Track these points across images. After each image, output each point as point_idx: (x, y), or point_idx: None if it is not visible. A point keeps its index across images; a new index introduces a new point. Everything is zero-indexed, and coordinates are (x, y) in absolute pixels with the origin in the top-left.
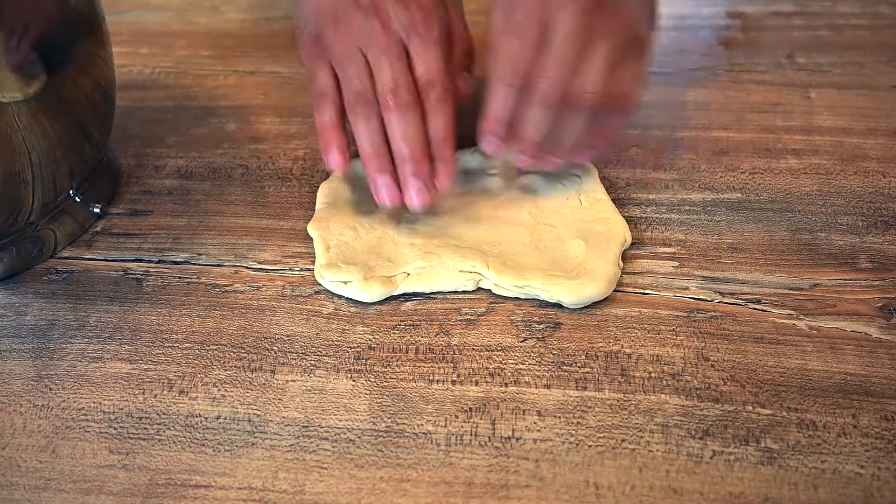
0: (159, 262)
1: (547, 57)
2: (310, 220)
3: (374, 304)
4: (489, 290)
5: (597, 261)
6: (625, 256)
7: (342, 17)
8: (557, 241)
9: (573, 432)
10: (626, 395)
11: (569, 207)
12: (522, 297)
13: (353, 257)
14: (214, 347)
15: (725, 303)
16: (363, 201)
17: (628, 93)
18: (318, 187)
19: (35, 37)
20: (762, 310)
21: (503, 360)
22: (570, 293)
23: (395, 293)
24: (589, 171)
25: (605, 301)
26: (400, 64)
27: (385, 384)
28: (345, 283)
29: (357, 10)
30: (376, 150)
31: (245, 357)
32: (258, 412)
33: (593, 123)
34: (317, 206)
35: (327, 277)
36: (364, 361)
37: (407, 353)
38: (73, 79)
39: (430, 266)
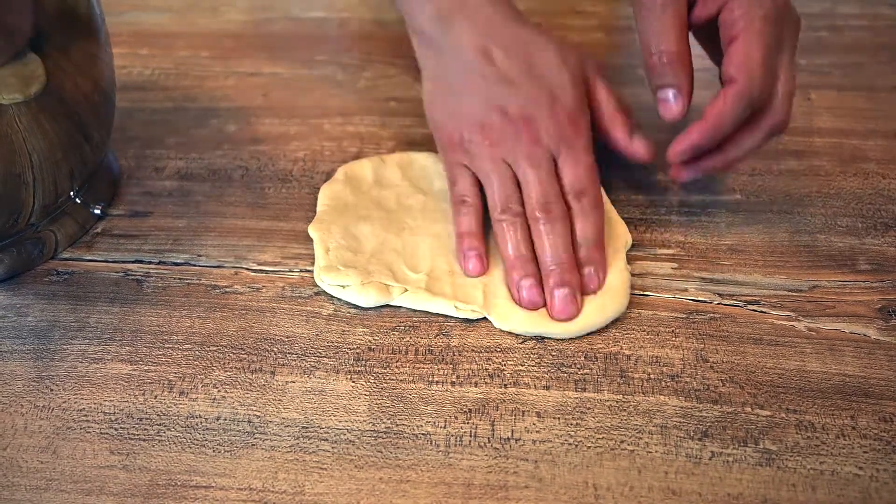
0: (159, 263)
1: (779, 95)
2: (310, 222)
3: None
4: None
5: (609, 275)
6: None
7: (488, 126)
8: None
9: (572, 433)
10: (625, 397)
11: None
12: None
13: (352, 261)
14: (214, 348)
15: (725, 304)
16: (365, 205)
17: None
18: (318, 189)
19: (29, 35)
20: (761, 311)
21: (502, 361)
22: (595, 319)
23: (392, 303)
24: None
25: None
26: (549, 178)
27: (385, 385)
28: (342, 286)
29: (505, 120)
30: (521, 258)
31: (245, 358)
32: (258, 413)
33: None
34: (318, 208)
35: (326, 280)
36: (364, 363)
37: (406, 354)
38: (73, 80)
39: (429, 291)
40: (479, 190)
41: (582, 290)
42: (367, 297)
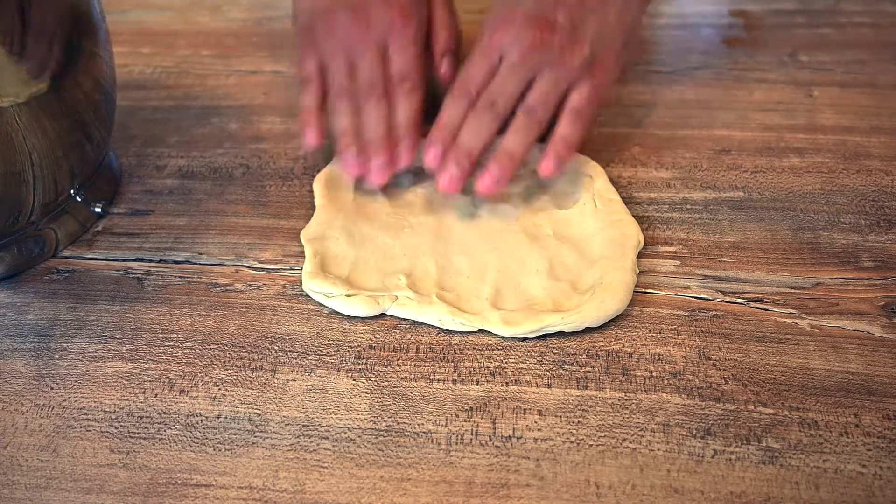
0: (160, 261)
1: (494, 79)
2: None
3: None
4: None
5: (614, 272)
6: None
7: (333, 15)
8: (573, 258)
9: (574, 431)
10: (628, 395)
11: (584, 212)
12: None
13: (341, 268)
14: (215, 347)
15: (727, 302)
16: (363, 199)
17: (574, 110)
18: None
19: (38, 38)
20: (764, 309)
21: (504, 359)
22: (595, 314)
23: (383, 312)
24: (598, 172)
25: None
26: (377, 63)
27: (386, 383)
28: (328, 296)
29: (345, 9)
30: (347, 130)
31: (246, 356)
32: (259, 411)
33: (549, 135)
34: (316, 202)
35: (312, 287)
36: (365, 361)
37: (408, 352)
38: (74, 79)
39: (419, 303)
40: (322, 73)
41: (394, 163)
42: (354, 309)
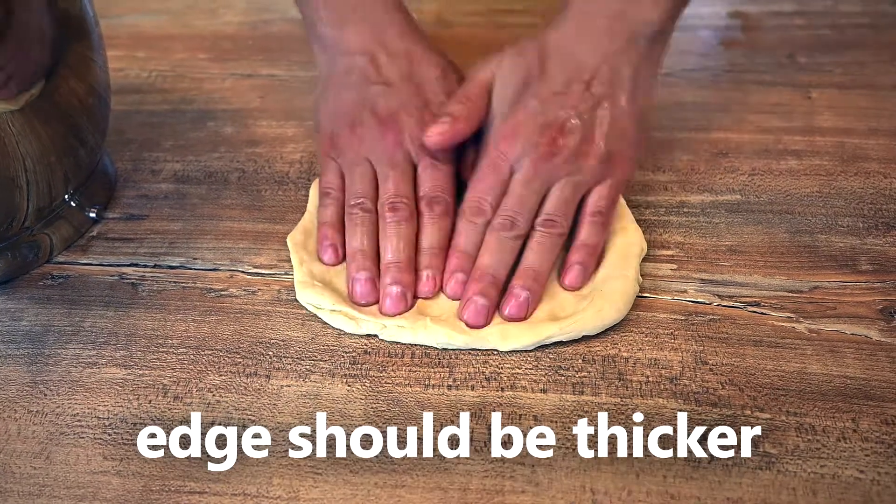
0: (155, 266)
1: (508, 195)
2: None
3: None
4: None
5: (615, 280)
6: None
7: (358, 123)
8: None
9: (570, 437)
10: (624, 400)
11: None
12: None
13: (328, 277)
14: (209, 352)
15: (724, 306)
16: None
17: (595, 214)
18: None
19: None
20: (761, 313)
21: (499, 364)
22: (592, 323)
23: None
24: None
25: None
26: (405, 180)
27: (380, 389)
28: (316, 307)
29: (373, 118)
30: (362, 251)
31: (240, 362)
32: (253, 417)
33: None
34: (308, 207)
35: (302, 298)
36: (359, 366)
37: (402, 357)
38: (67, 83)
39: (412, 329)
40: (344, 185)
41: (415, 292)
42: (337, 323)
